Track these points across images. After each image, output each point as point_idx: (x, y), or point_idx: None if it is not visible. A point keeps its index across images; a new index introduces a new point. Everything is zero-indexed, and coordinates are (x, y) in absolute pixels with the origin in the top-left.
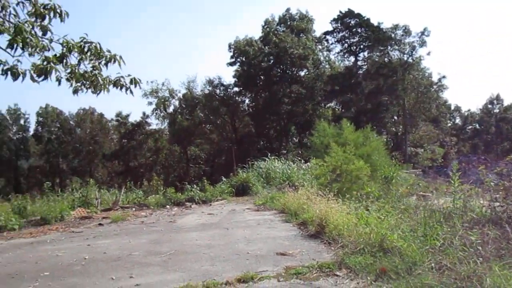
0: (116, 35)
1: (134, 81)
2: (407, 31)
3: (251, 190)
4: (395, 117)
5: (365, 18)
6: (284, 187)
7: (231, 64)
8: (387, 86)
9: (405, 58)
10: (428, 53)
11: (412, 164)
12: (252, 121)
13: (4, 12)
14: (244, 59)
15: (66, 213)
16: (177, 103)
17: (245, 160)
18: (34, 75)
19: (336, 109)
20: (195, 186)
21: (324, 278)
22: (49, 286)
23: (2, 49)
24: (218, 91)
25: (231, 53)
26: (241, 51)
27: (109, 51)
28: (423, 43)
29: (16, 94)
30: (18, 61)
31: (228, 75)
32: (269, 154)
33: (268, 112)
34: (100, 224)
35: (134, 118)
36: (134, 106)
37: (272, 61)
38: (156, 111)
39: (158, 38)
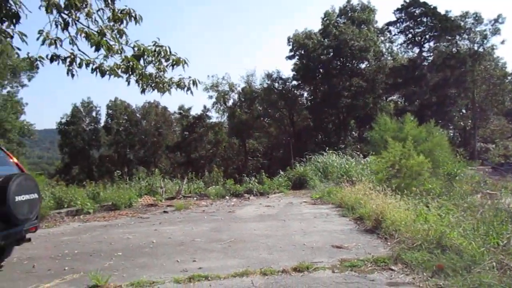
0: (179, 29)
1: (194, 82)
2: (478, 19)
3: (308, 184)
4: (463, 111)
5: (432, 7)
6: (341, 181)
7: (290, 57)
8: (455, 78)
9: (476, 48)
10: (502, 42)
11: (481, 161)
12: (310, 115)
13: (88, 19)
14: (303, 52)
15: (134, 200)
16: (236, 96)
17: (302, 153)
18: (119, 72)
19: (399, 103)
20: (253, 178)
21: (379, 271)
22: (123, 265)
23: (82, 52)
24: (276, 84)
25: (290, 47)
26: (300, 44)
27: (175, 54)
28: (496, 31)
29: (88, 88)
30: (105, 60)
31: (286, 69)
32: (327, 148)
33: (327, 106)
34: (165, 212)
35: (196, 111)
36: (196, 100)
37: (331, 53)
38: (216, 105)
39: (219, 33)
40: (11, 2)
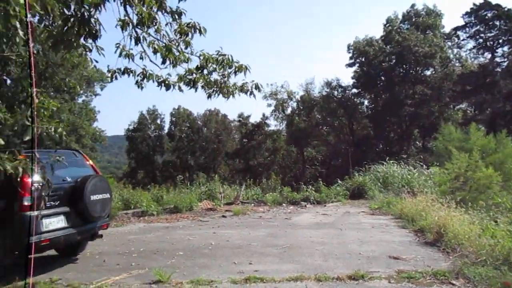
0: (237, 37)
1: (256, 86)
2: None
3: (367, 194)
4: None
5: (506, 9)
6: (402, 192)
7: (350, 65)
8: None
9: None
10: None
11: None
12: (371, 124)
13: (158, 34)
14: (363, 59)
15: (195, 204)
16: (295, 104)
17: (361, 163)
18: (182, 85)
19: (468, 111)
20: (310, 187)
21: (438, 285)
22: (183, 264)
23: (154, 62)
24: (336, 92)
25: (350, 54)
26: (360, 52)
27: (237, 61)
28: None
29: (154, 96)
30: (169, 75)
31: (346, 77)
32: (387, 158)
33: (389, 114)
34: (223, 216)
35: (255, 119)
36: (255, 108)
37: (394, 60)
38: (275, 113)
39: (278, 41)
40: (93, 22)
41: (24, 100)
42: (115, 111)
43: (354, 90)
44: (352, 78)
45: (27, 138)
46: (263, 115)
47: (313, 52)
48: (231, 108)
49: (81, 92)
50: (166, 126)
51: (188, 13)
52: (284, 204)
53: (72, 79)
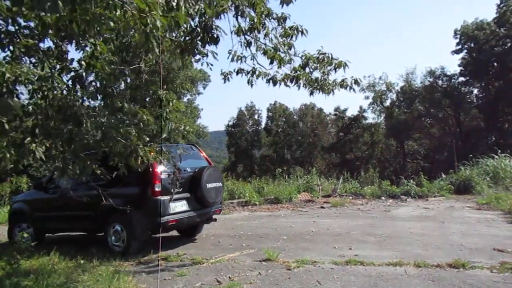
0: (334, 31)
1: (356, 81)
2: None
3: (474, 189)
4: None
5: None
6: None
7: (456, 52)
8: None
9: None
10: None
11: None
12: (481, 114)
13: (266, 38)
14: (472, 45)
15: (294, 196)
16: (394, 96)
17: (469, 156)
18: (287, 81)
19: None
20: (411, 181)
21: None
22: (288, 246)
23: (260, 65)
24: (440, 82)
25: (457, 40)
26: (469, 37)
27: (337, 58)
28: None
29: (251, 93)
30: (277, 72)
31: (451, 65)
32: (499, 151)
33: (502, 104)
34: (321, 207)
35: (351, 112)
36: (351, 101)
37: (508, 44)
38: (373, 105)
39: (376, 33)
40: (214, 29)
41: (154, 102)
42: (216, 108)
43: (462, 79)
44: (459, 65)
45: (164, 135)
46: (360, 108)
47: (413, 40)
48: (327, 102)
49: (186, 91)
50: (263, 121)
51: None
52: (383, 198)
53: (179, 80)
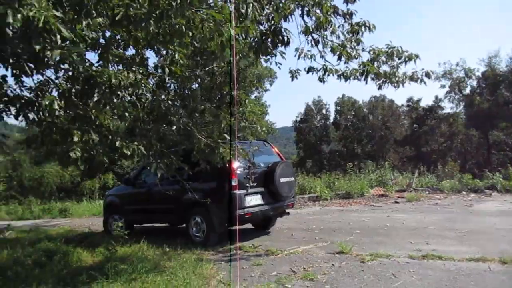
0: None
1: (427, 74)
2: None
3: None
4: None
5: None
6: None
7: None
8: None
9: None
10: None
11: None
12: None
13: (333, 35)
14: None
15: (366, 191)
16: (474, 83)
17: None
18: (358, 76)
19: None
20: (497, 174)
21: None
22: (361, 240)
23: (329, 62)
24: None
25: None
26: None
27: (406, 51)
28: None
29: (318, 88)
30: (347, 68)
31: None
32: None
33: None
34: (396, 202)
35: (426, 102)
36: (425, 90)
37: None
38: (450, 94)
39: (454, 18)
40: (283, 32)
41: (228, 102)
42: (282, 104)
43: None
44: None
45: (240, 134)
46: (436, 97)
47: (495, 20)
48: (399, 92)
49: (253, 89)
50: (332, 116)
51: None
52: (463, 192)
53: (248, 79)
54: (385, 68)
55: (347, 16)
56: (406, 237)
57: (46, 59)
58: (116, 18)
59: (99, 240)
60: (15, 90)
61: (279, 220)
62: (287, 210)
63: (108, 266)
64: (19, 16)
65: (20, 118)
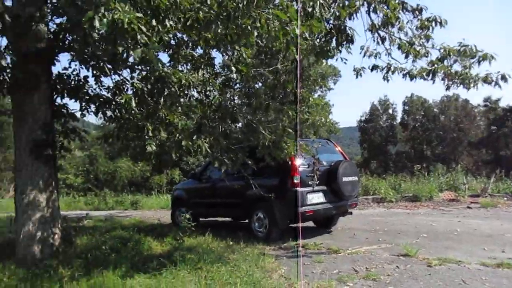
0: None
1: (503, 77)
2: None
3: None
4: None
5: None
6: None
7: None
8: None
9: None
10: None
11: None
12: None
13: (400, 32)
14: None
15: (435, 194)
16: None
17: None
18: (424, 75)
19: None
20: None
21: None
22: (428, 244)
23: (395, 60)
24: None
25: None
26: None
27: (481, 50)
28: None
29: (384, 86)
30: (414, 66)
31: None
32: None
33: None
34: (468, 207)
35: (506, 102)
36: (506, 89)
37: None
38: None
39: None
40: (348, 30)
41: (292, 100)
42: (346, 103)
43: None
44: None
45: (303, 131)
46: None
47: None
48: (474, 91)
49: (316, 87)
50: (399, 116)
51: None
52: None
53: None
54: (456, 67)
55: (416, 12)
56: (478, 243)
57: (123, 60)
58: (188, 23)
59: (167, 231)
60: (95, 89)
61: (341, 220)
62: (349, 210)
63: (176, 255)
64: (104, 20)
65: (99, 115)
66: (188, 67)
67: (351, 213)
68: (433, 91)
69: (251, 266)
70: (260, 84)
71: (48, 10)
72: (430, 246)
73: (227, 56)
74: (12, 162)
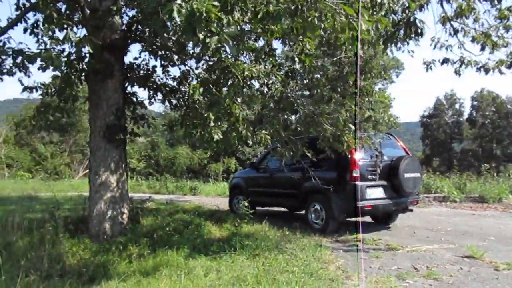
0: None
1: None
2: None
3: None
4: None
5: None
6: None
7: None
8: None
9: None
10: None
11: None
12: None
13: (475, 23)
14: None
15: (505, 196)
16: None
17: None
18: (503, 67)
19: None
20: None
21: None
22: (496, 247)
23: (469, 51)
24: None
25: None
26: None
27: None
28: None
29: (451, 80)
30: (489, 59)
31: None
32: None
33: None
34: None
35: None
36: None
37: None
38: None
39: None
40: (418, 23)
41: (354, 92)
42: (408, 98)
43: None
44: None
45: (363, 125)
46: None
47: None
48: None
49: (377, 80)
50: (466, 112)
51: None
52: None
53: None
54: None
55: (495, 1)
56: None
57: (201, 49)
58: (259, 16)
59: (225, 217)
60: (161, 79)
61: (400, 217)
62: (410, 207)
63: (234, 240)
64: (183, 11)
65: (165, 103)
66: (251, 58)
67: (411, 210)
68: (507, 86)
69: (308, 256)
70: (318, 76)
71: (122, 3)
72: (498, 250)
73: (290, 48)
74: (81, 146)
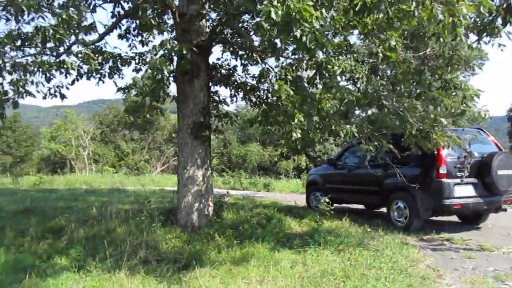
0: None
1: None
2: None
3: None
4: None
5: None
6: None
7: None
8: None
9: None
10: None
11: None
12: None
13: None
14: None
15: None
16: None
17: None
18: None
19: None
20: None
21: None
22: None
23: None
24: None
25: None
26: None
27: None
28: None
29: None
30: None
31: None
32: None
33: None
34: None
35: None
36: None
37: None
38: None
39: None
40: None
41: (441, 86)
42: (493, 90)
43: None
44: None
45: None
46: None
47: None
48: None
49: (458, 73)
50: None
51: None
52: None
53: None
54: None
55: None
56: None
57: (298, 44)
58: (357, 9)
59: (303, 213)
60: (242, 77)
61: (492, 216)
62: (504, 206)
63: (316, 235)
64: (280, 12)
65: (246, 101)
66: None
67: (505, 210)
68: None
69: (395, 254)
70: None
71: (207, 7)
72: None
73: (371, 43)
74: (159, 143)
